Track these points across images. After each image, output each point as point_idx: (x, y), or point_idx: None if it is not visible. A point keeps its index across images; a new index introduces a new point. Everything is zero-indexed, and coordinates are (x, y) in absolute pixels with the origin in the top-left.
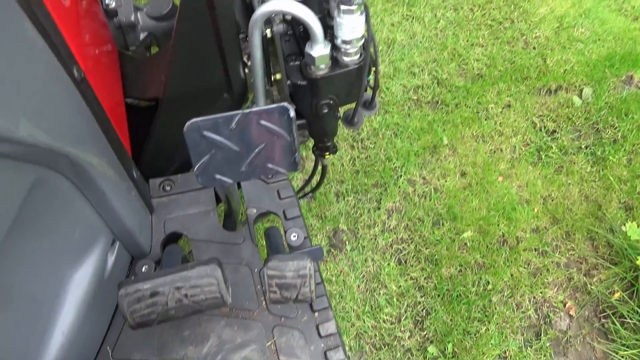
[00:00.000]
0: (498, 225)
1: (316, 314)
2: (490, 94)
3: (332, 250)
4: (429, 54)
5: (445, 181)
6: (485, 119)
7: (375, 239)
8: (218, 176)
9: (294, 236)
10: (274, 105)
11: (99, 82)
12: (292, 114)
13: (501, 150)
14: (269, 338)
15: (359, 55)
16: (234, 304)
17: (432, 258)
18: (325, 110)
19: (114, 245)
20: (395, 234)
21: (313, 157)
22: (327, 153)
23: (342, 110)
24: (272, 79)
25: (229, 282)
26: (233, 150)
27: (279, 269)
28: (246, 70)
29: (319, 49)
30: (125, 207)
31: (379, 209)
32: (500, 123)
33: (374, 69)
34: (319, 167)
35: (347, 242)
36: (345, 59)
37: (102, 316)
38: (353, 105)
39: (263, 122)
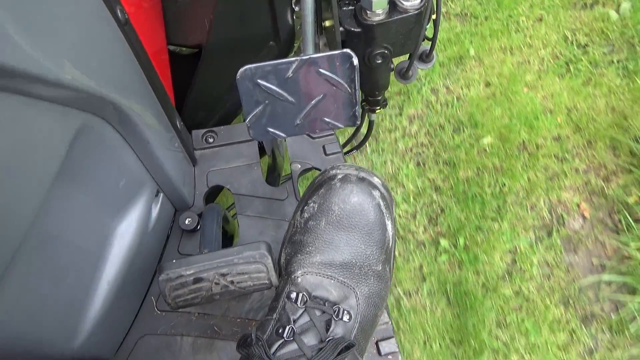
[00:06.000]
0: (519, 132)
1: None
2: (522, 7)
3: (353, 152)
4: None
5: (469, 90)
6: (515, 32)
7: (396, 143)
8: (271, 129)
9: None
10: (335, 52)
11: (143, 26)
12: (356, 61)
13: (529, 62)
14: None
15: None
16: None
17: (450, 161)
18: (379, 61)
19: (157, 196)
20: (415, 138)
21: None
22: (378, 107)
23: (395, 61)
24: (322, 26)
25: (271, 238)
26: (288, 101)
27: None
28: (294, 17)
29: None
30: (169, 157)
31: (400, 115)
32: (530, 36)
33: (434, 16)
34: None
35: (367, 145)
36: (405, 3)
37: (146, 266)
38: (406, 57)
39: (322, 70)
